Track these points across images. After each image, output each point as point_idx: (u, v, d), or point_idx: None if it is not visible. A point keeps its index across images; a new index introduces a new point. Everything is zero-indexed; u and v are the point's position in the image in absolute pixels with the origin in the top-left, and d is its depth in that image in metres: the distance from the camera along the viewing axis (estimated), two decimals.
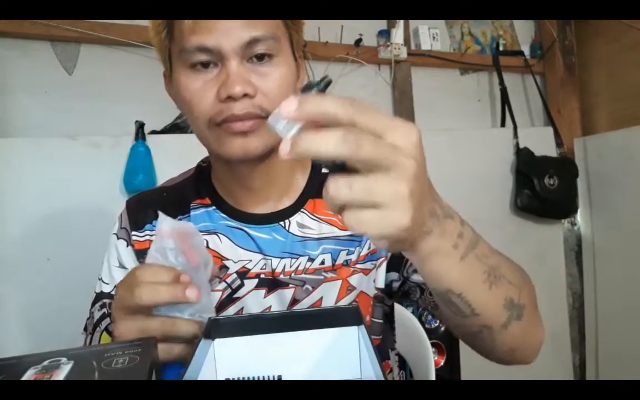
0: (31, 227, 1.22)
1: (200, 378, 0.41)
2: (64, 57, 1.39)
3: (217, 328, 0.49)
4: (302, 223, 0.69)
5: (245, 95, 0.58)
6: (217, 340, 0.49)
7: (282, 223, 0.69)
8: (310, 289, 0.68)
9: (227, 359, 0.48)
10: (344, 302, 0.69)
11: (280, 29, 0.61)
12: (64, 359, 0.37)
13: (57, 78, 1.38)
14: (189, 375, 0.38)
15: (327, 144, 0.33)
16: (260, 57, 0.59)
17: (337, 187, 0.35)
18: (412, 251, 0.42)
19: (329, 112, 0.34)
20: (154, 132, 1.40)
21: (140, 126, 1.32)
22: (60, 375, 0.35)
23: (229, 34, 0.57)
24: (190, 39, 0.57)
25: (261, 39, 0.58)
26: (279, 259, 0.68)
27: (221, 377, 0.48)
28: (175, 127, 1.44)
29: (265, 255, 0.69)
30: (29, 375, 0.35)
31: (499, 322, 0.50)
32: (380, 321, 0.72)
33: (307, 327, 0.48)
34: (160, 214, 0.56)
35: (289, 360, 0.48)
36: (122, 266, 0.72)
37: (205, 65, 0.59)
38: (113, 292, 0.72)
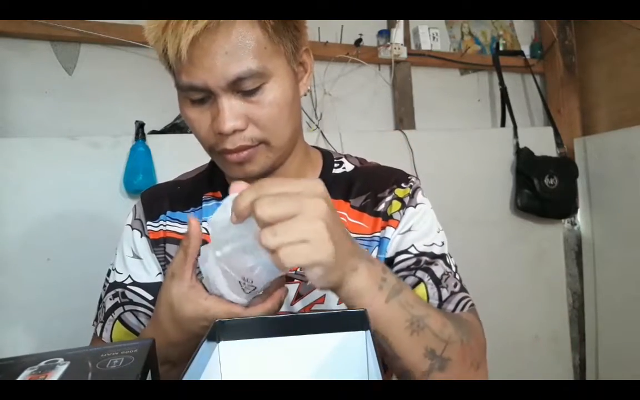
0: (31, 227, 1.22)
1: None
2: (64, 57, 1.39)
3: (222, 330, 0.48)
4: None
5: (236, 130, 0.60)
6: (222, 343, 0.48)
7: None
8: None
9: (232, 362, 0.48)
10: None
11: (268, 53, 0.59)
12: (60, 360, 0.37)
13: (57, 78, 1.38)
14: (189, 377, 0.38)
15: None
16: (250, 91, 0.59)
17: (264, 236, 0.43)
18: (342, 288, 0.47)
19: (239, 209, 0.43)
20: (154, 132, 1.40)
21: (140, 126, 1.32)
22: (55, 375, 0.35)
23: (214, 72, 0.57)
24: (182, 78, 0.59)
25: (246, 77, 0.57)
26: None
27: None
28: (175, 127, 1.44)
29: None
30: (24, 375, 0.35)
31: (419, 369, 0.53)
32: None
33: (314, 331, 0.47)
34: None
35: (295, 365, 0.47)
36: (136, 256, 0.73)
37: (200, 99, 0.61)
38: (127, 282, 0.72)
